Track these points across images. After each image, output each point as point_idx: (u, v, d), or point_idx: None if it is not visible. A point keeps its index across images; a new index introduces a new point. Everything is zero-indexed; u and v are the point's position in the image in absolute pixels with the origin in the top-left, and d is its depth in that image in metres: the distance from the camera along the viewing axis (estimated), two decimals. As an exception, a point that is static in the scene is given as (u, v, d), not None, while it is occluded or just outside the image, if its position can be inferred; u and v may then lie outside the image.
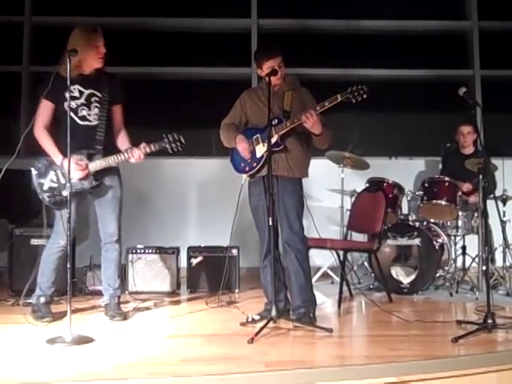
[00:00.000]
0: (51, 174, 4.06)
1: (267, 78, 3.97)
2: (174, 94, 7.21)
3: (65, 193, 3.88)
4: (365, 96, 3.80)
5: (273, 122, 4.01)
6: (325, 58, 7.22)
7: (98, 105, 4.10)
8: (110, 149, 4.11)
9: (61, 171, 4.02)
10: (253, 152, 4.10)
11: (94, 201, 4.19)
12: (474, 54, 7.39)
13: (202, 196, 6.83)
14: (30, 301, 4.14)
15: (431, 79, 7.39)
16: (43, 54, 6.99)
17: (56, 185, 4.05)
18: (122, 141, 4.20)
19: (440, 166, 6.19)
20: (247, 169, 4.14)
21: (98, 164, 4.03)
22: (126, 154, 4.05)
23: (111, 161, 4.06)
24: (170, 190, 6.76)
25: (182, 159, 6.87)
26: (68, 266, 3.62)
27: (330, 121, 4.09)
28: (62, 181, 4.01)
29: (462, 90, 3.98)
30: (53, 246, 4.12)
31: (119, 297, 4.26)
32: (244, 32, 7.36)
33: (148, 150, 4.05)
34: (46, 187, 4.05)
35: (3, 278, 5.43)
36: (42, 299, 4.12)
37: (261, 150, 4.05)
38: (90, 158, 4.04)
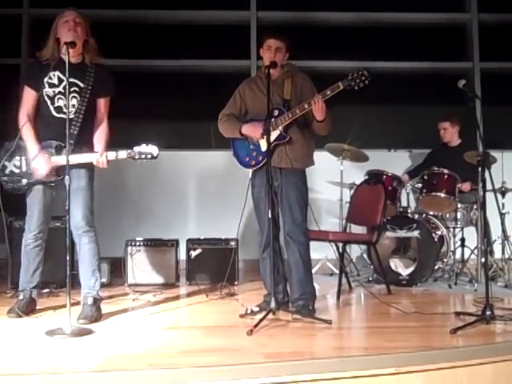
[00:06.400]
0: (16, 159, 3.90)
1: (266, 70, 3.93)
2: (173, 87, 7.19)
3: (24, 181, 3.85)
4: (367, 82, 3.76)
5: (274, 113, 3.98)
6: (324, 50, 7.19)
7: (77, 96, 3.85)
8: (86, 145, 3.90)
9: (26, 159, 3.87)
10: (257, 146, 4.07)
11: (61, 194, 3.86)
12: (473, 46, 7.38)
13: (201, 188, 6.82)
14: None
15: (430, 71, 7.37)
16: (42, 47, 6.95)
17: (18, 170, 3.90)
18: (98, 137, 3.93)
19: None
20: (253, 163, 4.09)
21: (62, 159, 3.72)
22: (91, 157, 3.81)
23: (78, 159, 3.77)
24: (168, 183, 6.75)
25: (181, 151, 6.88)
26: (67, 258, 3.60)
27: (328, 113, 4.08)
28: (24, 169, 3.88)
29: (462, 83, 3.97)
30: (25, 236, 4.01)
31: (95, 298, 3.93)
32: (243, 24, 7.34)
33: (113, 157, 3.80)
34: (7, 171, 3.89)
35: (2, 270, 5.44)
36: (21, 295, 4.03)
37: (265, 143, 3.93)
38: (59, 151, 3.82)
